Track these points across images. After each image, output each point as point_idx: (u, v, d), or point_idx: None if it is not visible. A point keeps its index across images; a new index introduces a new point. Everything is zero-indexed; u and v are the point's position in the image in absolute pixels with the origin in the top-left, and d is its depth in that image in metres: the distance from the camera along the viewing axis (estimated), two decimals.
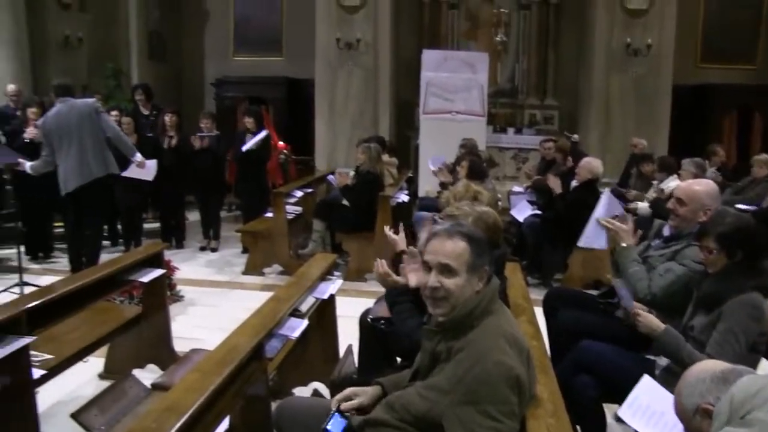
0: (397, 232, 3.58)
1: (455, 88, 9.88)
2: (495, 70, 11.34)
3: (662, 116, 10.55)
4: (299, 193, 7.88)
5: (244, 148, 7.98)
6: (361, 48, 10.73)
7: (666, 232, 3.70)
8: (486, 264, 2.22)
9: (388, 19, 10.93)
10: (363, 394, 2.41)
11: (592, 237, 4.32)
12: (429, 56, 10.16)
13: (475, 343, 2.11)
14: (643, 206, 6.93)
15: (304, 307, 3.58)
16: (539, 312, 3.79)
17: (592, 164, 6.55)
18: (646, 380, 2.75)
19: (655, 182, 7.30)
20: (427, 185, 9.09)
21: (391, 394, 2.33)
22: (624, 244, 3.73)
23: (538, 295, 4.83)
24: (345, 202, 7.17)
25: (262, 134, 8.10)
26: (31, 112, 7.44)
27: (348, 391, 2.43)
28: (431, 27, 11.75)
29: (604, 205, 4.36)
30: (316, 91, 11.07)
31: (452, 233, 2.22)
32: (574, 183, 6.79)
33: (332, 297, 4.08)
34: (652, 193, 7.17)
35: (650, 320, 3.07)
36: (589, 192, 6.13)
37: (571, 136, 9.90)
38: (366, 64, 10.82)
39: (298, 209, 7.81)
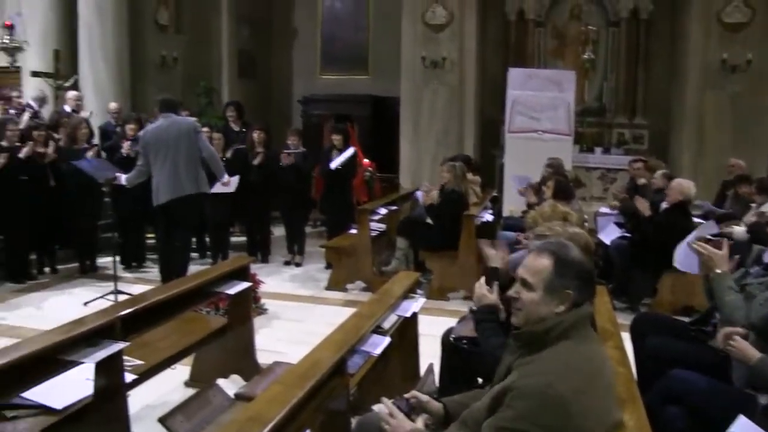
0: (493, 248, 3.56)
1: (541, 106, 9.74)
2: (582, 89, 11.13)
3: (762, 136, 10.05)
4: (383, 211, 7.91)
5: (332, 165, 8.08)
6: (447, 66, 10.74)
7: (767, 258, 3.52)
8: (570, 288, 2.16)
9: (474, 38, 10.91)
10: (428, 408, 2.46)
11: (683, 261, 4.16)
12: (515, 74, 10.06)
13: (540, 362, 2.08)
14: (739, 230, 6.61)
15: (386, 325, 3.58)
16: (626, 337, 3.67)
17: (683, 185, 6.32)
18: (742, 421, 2.55)
19: (753, 205, 6.97)
20: (512, 205, 8.98)
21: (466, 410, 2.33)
22: (718, 271, 3.50)
23: (625, 319, 4.69)
24: (429, 220, 7.15)
25: (349, 152, 8.19)
26: (130, 128, 7.80)
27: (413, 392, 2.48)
28: (517, 45, 11.64)
29: (700, 228, 4.19)
30: (401, 109, 11.14)
31: (542, 250, 2.22)
32: (664, 205, 6.57)
33: (415, 315, 4.06)
34: (750, 217, 6.84)
35: (744, 347, 2.90)
36: (680, 214, 5.91)
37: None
38: (451, 83, 10.82)
39: (382, 226, 7.85)
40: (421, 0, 10.76)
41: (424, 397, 2.50)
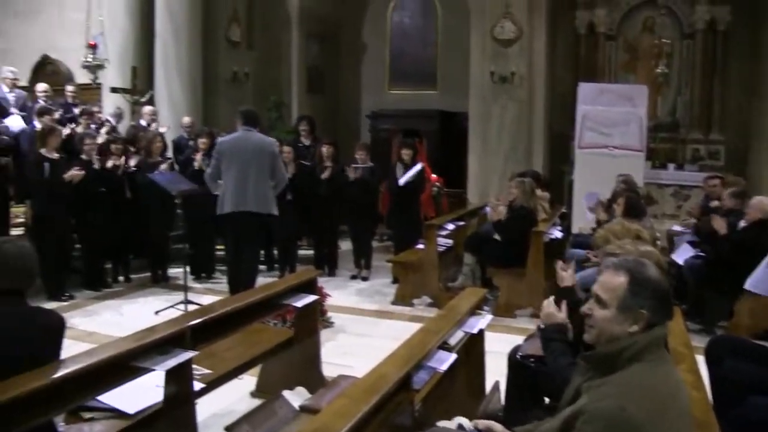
0: (566, 268, 3.50)
1: (612, 121, 9.56)
2: (655, 103, 10.90)
3: None
4: (451, 226, 7.86)
5: (401, 181, 8.10)
6: (516, 81, 10.65)
7: None
8: (644, 307, 2.10)
9: (543, 52, 10.81)
10: None
11: (760, 283, 3.99)
12: (585, 89, 9.91)
13: (612, 384, 2.03)
14: None
15: (453, 341, 3.54)
16: (701, 360, 3.54)
17: (764, 203, 6.08)
18: None
19: None
20: (582, 221, 8.82)
21: None
22: None
23: (699, 342, 4.53)
24: (497, 236, 7.08)
25: (418, 167, 8.20)
26: (201, 142, 7.99)
27: (489, 423, 2.43)
28: (588, 59, 11.47)
29: None
30: (470, 125, 11.10)
31: (618, 267, 2.18)
32: (742, 223, 6.34)
33: (481, 332, 4.01)
34: None
35: None
36: (760, 233, 5.69)
37: None
38: (520, 98, 10.73)
39: (450, 242, 7.80)
40: (490, 15, 10.71)
41: (499, 427, 2.46)
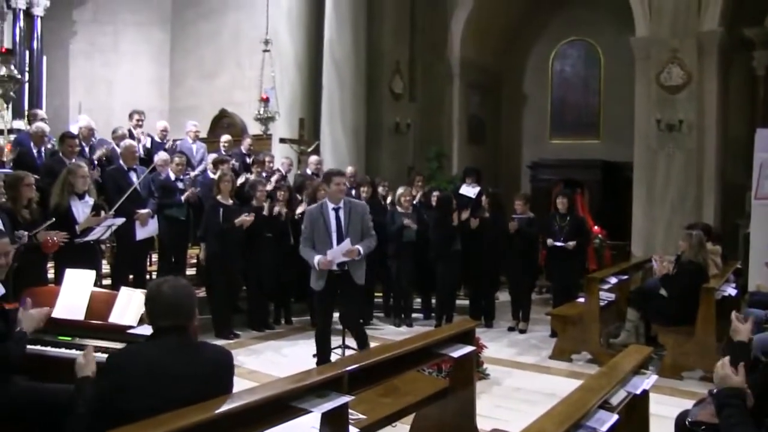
0: (742, 319, 3.28)
1: None
2: None
3: None
4: (613, 280, 7.54)
5: (556, 243, 8.03)
6: (684, 129, 10.16)
7: None
8: None
9: (715, 97, 10.25)
10: None
11: None
12: (764, 135, 9.27)
13: None
14: None
15: (614, 401, 3.38)
16: None
17: None
18: None
19: None
20: (759, 279, 8.19)
21: None
22: None
23: None
24: (663, 291, 6.73)
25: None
26: (363, 191, 8.26)
27: None
28: (766, 103, 10.76)
29: None
30: (635, 175, 10.70)
31: None
32: None
33: (645, 393, 3.80)
34: None
35: None
36: None
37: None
38: (688, 146, 10.21)
39: (612, 296, 7.49)
40: (656, 61, 10.35)
41: None
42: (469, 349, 4.38)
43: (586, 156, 12.53)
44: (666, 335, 6.60)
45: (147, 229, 7.30)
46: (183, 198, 7.94)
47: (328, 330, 6.11)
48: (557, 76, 13.73)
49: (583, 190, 9.87)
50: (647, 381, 3.76)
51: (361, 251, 5.83)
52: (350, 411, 3.39)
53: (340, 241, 5.81)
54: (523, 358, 7.10)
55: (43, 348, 3.80)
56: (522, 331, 8.13)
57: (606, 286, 7.33)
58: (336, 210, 5.89)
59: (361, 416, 3.64)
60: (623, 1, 10.69)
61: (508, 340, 7.79)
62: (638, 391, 3.64)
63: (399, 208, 8.27)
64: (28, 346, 3.55)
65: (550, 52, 13.77)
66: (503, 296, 8.95)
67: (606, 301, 7.26)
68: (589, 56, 13.36)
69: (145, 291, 2.99)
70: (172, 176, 8.04)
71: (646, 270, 8.38)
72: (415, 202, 8.66)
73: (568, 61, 13.66)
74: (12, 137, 9.65)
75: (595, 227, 9.45)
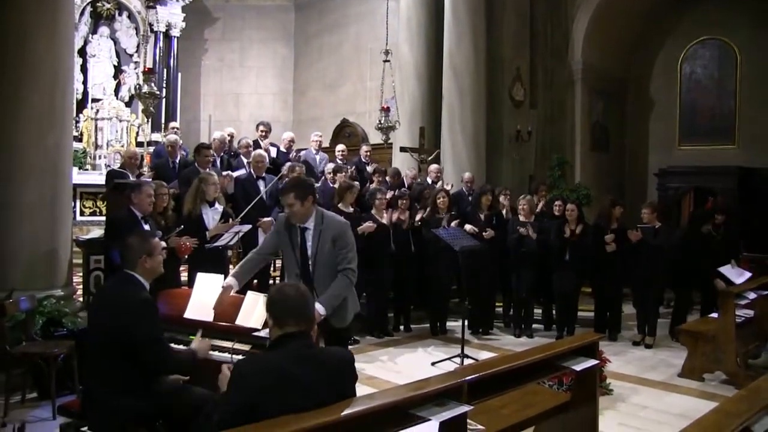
0: None
1: None
2: None
3: None
4: (752, 295, 7.04)
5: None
6: None
7: None
8: None
9: None
10: None
11: None
12: None
13: None
14: None
15: (757, 429, 3.14)
16: None
17: None
18: None
19: None
20: None
21: None
22: None
23: None
24: None
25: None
26: (486, 198, 8.16)
27: None
28: None
29: None
30: None
31: None
32: None
33: None
34: None
35: None
36: None
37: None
38: None
39: (750, 313, 7.01)
40: None
41: None
42: (592, 362, 4.22)
43: (720, 162, 11.86)
44: None
45: None
46: None
47: None
48: (687, 79, 13.09)
49: (715, 198, 9.31)
50: None
51: (323, 313, 4.14)
52: (469, 421, 3.33)
53: (304, 268, 4.42)
54: (649, 374, 6.76)
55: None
56: (648, 346, 7.76)
57: (743, 302, 6.88)
58: (303, 230, 4.43)
59: (479, 427, 3.58)
60: None
61: (633, 355, 7.46)
62: None
63: (520, 217, 8.11)
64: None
65: (679, 53, 13.16)
66: (628, 308, 8.58)
67: (743, 318, 6.82)
68: (724, 56, 12.64)
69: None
70: None
71: None
72: (537, 211, 8.47)
73: (699, 62, 12.99)
74: (151, 149, 10.35)
75: None
